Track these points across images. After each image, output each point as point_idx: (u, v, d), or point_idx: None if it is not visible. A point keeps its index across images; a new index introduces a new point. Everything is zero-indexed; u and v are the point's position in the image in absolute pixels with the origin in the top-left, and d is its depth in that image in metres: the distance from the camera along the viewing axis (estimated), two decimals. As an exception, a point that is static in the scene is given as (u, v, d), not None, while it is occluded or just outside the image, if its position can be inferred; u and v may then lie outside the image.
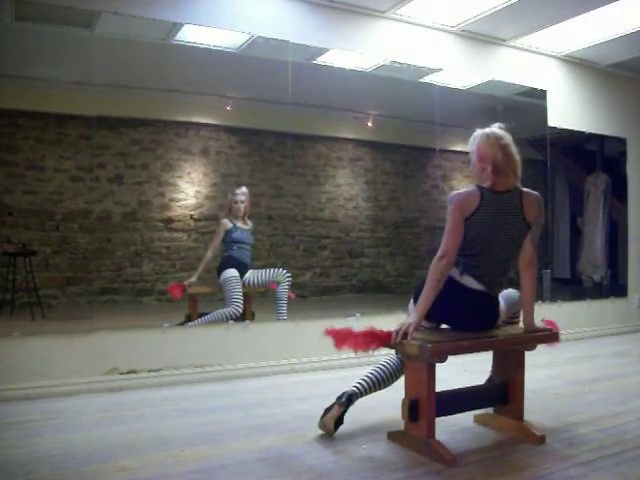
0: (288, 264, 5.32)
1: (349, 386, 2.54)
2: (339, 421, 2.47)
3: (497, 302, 2.47)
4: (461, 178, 6.59)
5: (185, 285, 4.12)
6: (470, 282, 2.36)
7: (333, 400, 2.50)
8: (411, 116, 5.70)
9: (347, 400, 2.48)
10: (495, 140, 2.39)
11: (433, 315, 2.41)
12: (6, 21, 3.65)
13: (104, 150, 4.94)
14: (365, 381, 2.55)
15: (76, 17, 3.62)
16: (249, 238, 4.24)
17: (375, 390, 2.57)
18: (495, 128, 2.45)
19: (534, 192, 2.45)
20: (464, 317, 2.40)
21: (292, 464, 2.15)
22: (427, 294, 2.29)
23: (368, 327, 2.35)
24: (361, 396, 2.53)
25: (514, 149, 2.42)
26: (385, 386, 2.59)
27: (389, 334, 2.30)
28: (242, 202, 4.20)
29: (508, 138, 2.42)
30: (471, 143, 2.46)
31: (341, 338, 2.36)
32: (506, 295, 2.57)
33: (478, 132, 2.46)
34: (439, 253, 2.31)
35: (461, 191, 2.41)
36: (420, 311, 2.30)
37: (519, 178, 2.43)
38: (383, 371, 2.58)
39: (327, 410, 2.50)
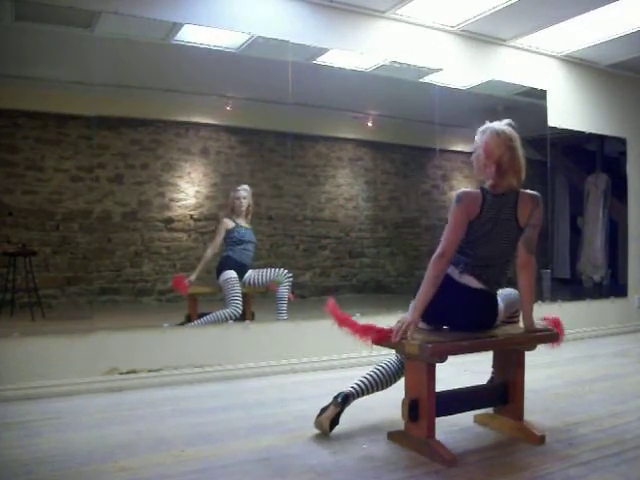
0: (288, 264, 5.31)
1: (347, 386, 2.54)
2: (335, 421, 2.47)
3: (497, 300, 2.47)
4: (461, 178, 6.59)
5: (186, 282, 4.12)
6: (470, 281, 2.36)
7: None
8: (411, 116, 5.70)
9: (343, 400, 2.47)
10: (504, 140, 2.36)
11: (433, 317, 2.41)
12: (6, 21, 3.64)
13: (104, 150, 4.93)
14: (363, 382, 2.55)
15: (76, 17, 3.62)
16: (252, 237, 4.21)
17: (373, 391, 2.57)
18: (505, 126, 2.40)
19: (531, 192, 2.42)
20: (465, 317, 2.39)
21: (292, 464, 2.15)
22: (425, 291, 2.28)
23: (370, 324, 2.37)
24: (358, 397, 2.53)
25: (521, 152, 2.39)
26: (384, 388, 2.58)
27: (389, 332, 2.29)
28: (244, 198, 4.19)
29: (517, 140, 2.39)
30: (479, 136, 2.42)
31: (342, 319, 2.39)
32: (504, 294, 2.57)
33: (489, 126, 2.42)
34: (438, 250, 2.30)
35: (468, 191, 2.38)
36: (419, 308, 2.29)
37: (521, 181, 2.41)
38: (382, 372, 2.57)
39: (323, 410, 2.49)
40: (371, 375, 2.57)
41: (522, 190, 2.41)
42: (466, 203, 2.32)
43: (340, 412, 2.48)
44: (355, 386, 2.53)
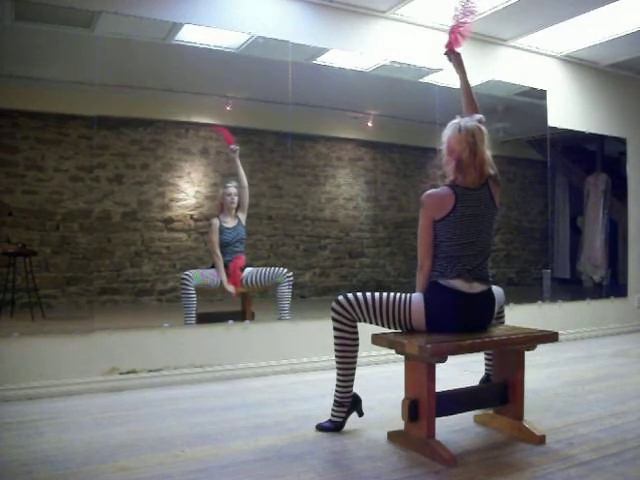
0: (288, 264, 5.31)
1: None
2: None
3: (494, 295, 2.47)
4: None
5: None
6: (476, 287, 2.37)
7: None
8: (411, 116, 5.70)
9: None
10: (465, 137, 2.34)
11: (447, 330, 2.39)
12: (6, 21, 3.64)
13: (104, 150, 4.93)
14: None
15: (76, 17, 3.62)
16: (239, 234, 4.15)
17: None
18: (472, 122, 2.38)
19: (491, 172, 2.41)
20: (475, 320, 2.42)
21: (292, 464, 2.15)
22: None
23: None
24: None
25: (484, 147, 2.36)
26: None
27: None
28: (235, 195, 4.18)
29: (480, 135, 2.35)
30: (444, 132, 2.43)
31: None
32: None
33: (452, 122, 2.41)
34: (418, 264, 2.45)
35: (432, 192, 2.41)
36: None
37: (484, 177, 2.39)
38: None
39: None
40: None
41: (488, 177, 2.41)
42: (430, 205, 2.39)
43: None
44: None
